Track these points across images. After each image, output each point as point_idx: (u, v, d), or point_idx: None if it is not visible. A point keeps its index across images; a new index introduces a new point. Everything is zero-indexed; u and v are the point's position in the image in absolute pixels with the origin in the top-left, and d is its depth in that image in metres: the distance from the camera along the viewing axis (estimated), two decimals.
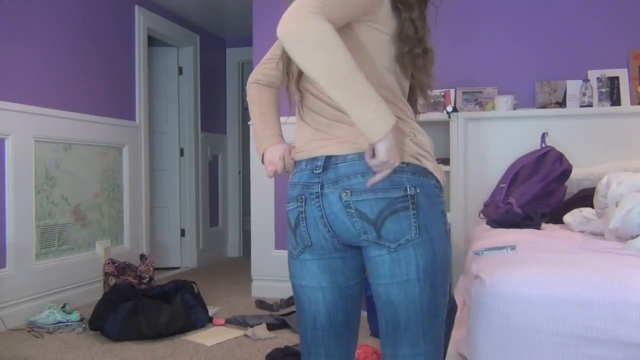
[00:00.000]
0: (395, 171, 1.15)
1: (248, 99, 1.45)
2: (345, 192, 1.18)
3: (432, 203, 1.20)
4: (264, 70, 1.42)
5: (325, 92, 1.08)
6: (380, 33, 1.19)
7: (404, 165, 1.17)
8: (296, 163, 1.30)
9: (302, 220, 1.25)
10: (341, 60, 1.04)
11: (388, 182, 1.16)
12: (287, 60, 1.29)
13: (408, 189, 1.17)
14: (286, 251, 1.37)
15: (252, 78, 1.44)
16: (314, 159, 1.23)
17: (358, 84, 1.05)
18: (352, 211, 1.19)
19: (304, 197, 1.24)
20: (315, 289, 1.29)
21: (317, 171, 1.22)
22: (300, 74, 1.26)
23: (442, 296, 1.24)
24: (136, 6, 4.62)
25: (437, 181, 1.23)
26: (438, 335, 1.25)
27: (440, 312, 1.24)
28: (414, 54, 1.22)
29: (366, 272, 1.29)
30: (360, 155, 1.18)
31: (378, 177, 1.13)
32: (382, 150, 1.08)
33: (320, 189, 1.21)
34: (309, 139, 1.26)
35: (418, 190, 1.18)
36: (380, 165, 1.11)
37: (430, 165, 1.22)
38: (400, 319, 1.21)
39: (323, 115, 1.24)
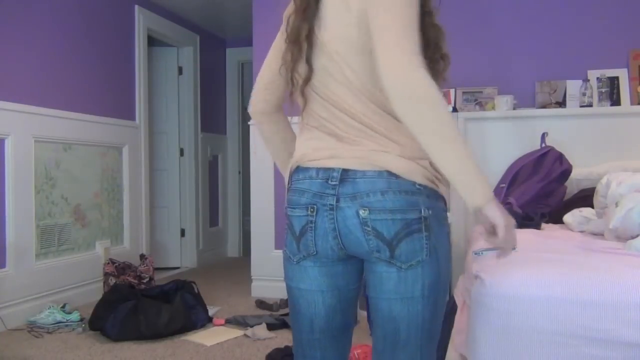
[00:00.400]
0: (412, 192, 1.15)
1: (263, 134, 1.42)
2: (364, 209, 1.16)
3: (440, 225, 1.21)
4: (266, 96, 1.38)
5: (431, 151, 1.08)
6: None
7: (421, 188, 1.17)
8: (300, 169, 1.26)
9: (311, 230, 1.22)
10: (449, 119, 1.06)
11: (405, 202, 1.15)
12: (291, 66, 1.26)
13: (422, 211, 1.17)
14: None
15: (256, 107, 1.40)
16: (329, 169, 1.20)
17: (463, 143, 1.07)
18: (369, 229, 1.17)
19: (315, 207, 1.21)
20: (315, 292, 1.27)
21: (333, 182, 1.19)
22: (307, 80, 1.23)
23: (442, 314, 1.26)
24: (136, 6, 4.62)
25: (445, 204, 1.24)
26: (433, 350, 1.26)
27: (438, 328, 1.25)
28: (434, 60, 1.21)
29: (363, 279, 1.28)
30: (380, 174, 1.16)
31: (505, 255, 1.14)
32: (497, 213, 1.08)
33: (336, 202, 1.18)
34: (317, 145, 1.23)
35: (430, 213, 1.17)
36: (510, 239, 1.09)
37: (444, 189, 1.22)
38: (401, 335, 1.20)
39: (334, 124, 1.21)
